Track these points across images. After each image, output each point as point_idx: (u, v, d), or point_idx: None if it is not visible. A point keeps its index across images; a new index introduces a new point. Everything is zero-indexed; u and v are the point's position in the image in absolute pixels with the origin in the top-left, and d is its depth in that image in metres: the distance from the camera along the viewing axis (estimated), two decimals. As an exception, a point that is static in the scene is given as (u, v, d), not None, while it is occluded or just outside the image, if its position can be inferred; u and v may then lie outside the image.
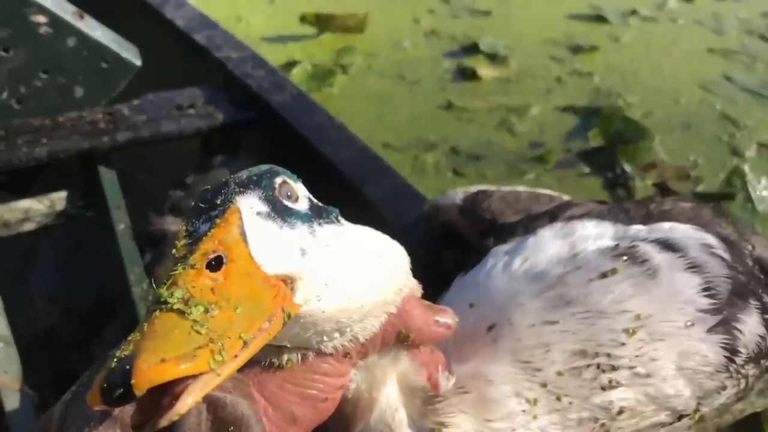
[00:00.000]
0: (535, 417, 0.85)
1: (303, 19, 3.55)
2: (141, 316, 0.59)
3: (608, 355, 0.88)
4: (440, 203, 1.32)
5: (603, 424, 0.90)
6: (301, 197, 0.69)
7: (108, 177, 1.76)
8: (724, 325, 0.93)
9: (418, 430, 0.81)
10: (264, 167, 0.70)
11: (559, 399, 0.86)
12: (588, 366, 0.87)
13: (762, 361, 0.99)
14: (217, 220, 0.61)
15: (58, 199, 1.77)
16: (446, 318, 0.79)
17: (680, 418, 0.96)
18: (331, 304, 0.67)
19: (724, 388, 0.96)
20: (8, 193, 1.81)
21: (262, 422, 0.67)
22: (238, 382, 0.67)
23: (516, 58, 3.32)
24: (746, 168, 2.37)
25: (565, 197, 1.31)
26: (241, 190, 0.65)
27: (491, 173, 2.53)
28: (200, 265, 0.57)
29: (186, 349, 0.51)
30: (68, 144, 1.70)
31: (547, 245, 1.00)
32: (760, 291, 0.99)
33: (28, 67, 1.71)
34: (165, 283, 0.56)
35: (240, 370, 0.62)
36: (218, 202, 0.63)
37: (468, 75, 3.18)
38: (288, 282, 0.62)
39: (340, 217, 0.73)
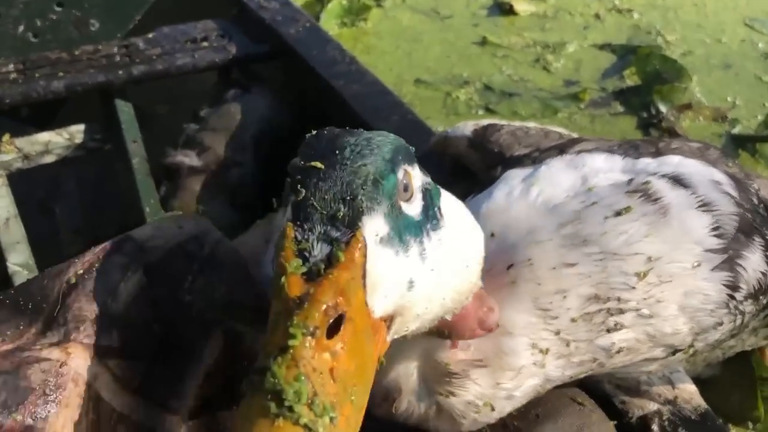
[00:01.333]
0: (543, 366, 0.85)
1: (340, -48, 3.48)
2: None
3: (618, 299, 0.87)
4: (450, 135, 1.31)
5: (600, 363, 0.90)
6: (416, 191, 0.62)
7: (125, 110, 1.77)
8: (729, 262, 0.91)
9: (428, 393, 0.82)
10: (386, 149, 0.60)
11: (568, 345, 0.86)
12: (599, 311, 0.86)
13: (761, 298, 0.97)
14: (341, 255, 0.53)
15: (77, 132, 1.79)
16: (492, 319, 0.77)
17: (675, 352, 0.96)
18: (413, 327, 0.63)
19: (721, 324, 0.95)
20: (31, 126, 1.83)
21: None
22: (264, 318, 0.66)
23: (555, -7, 3.21)
24: (785, 110, 2.27)
25: (575, 135, 1.28)
26: (371, 203, 0.56)
27: (524, 111, 2.48)
28: (321, 331, 0.50)
29: None
30: (85, 77, 1.71)
31: (561, 176, 0.98)
32: (764, 228, 0.97)
33: (43, 1, 1.71)
34: (279, 350, 0.48)
35: None
36: (341, 215, 0.55)
37: (504, 10, 3.09)
38: (387, 320, 0.58)
39: (440, 206, 0.66)
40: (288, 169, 0.58)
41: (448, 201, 0.68)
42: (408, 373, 0.81)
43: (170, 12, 1.90)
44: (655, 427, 1.02)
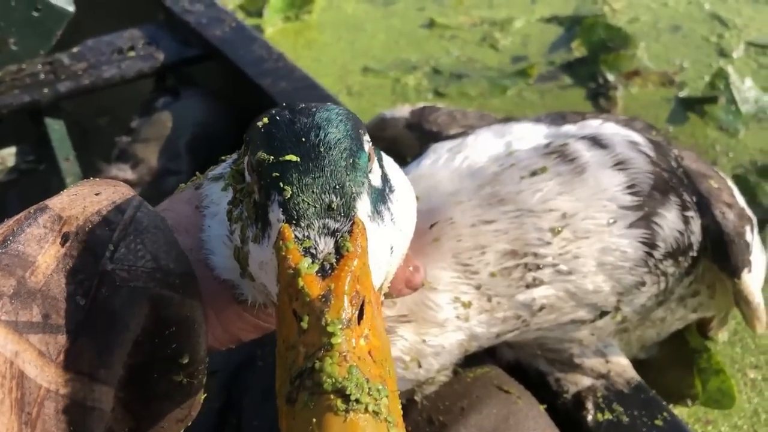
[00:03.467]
0: (467, 319, 0.86)
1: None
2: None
3: (535, 255, 0.88)
4: (387, 117, 1.30)
5: (524, 321, 0.90)
6: (375, 161, 0.61)
7: (55, 128, 1.74)
8: (645, 220, 0.91)
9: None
10: (349, 125, 0.59)
11: (489, 300, 0.87)
12: (517, 266, 0.87)
13: (680, 259, 0.96)
14: (349, 245, 0.52)
15: (8, 155, 1.75)
16: (418, 279, 0.75)
17: (602, 315, 0.95)
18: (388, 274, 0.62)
19: (643, 284, 0.94)
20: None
21: (205, 331, 0.63)
22: (191, 286, 0.62)
23: (500, -30, 3.18)
24: (730, 69, 2.25)
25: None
26: (357, 186, 0.56)
27: (473, 91, 2.45)
28: (354, 321, 0.49)
29: None
30: (10, 98, 1.68)
31: (486, 143, 0.99)
32: (681, 189, 0.96)
33: (-44, 24, 1.67)
34: (327, 348, 0.47)
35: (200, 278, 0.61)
36: (335, 206, 0.54)
37: (450, -10, 3.06)
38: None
39: (384, 166, 0.65)
40: (256, 164, 0.56)
41: (385, 159, 0.67)
42: None
43: (94, 24, 1.86)
44: (589, 404, 1.01)
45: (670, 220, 0.92)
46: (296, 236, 0.52)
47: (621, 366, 1.05)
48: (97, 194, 0.62)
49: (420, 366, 0.84)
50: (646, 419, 0.99)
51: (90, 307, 0.56)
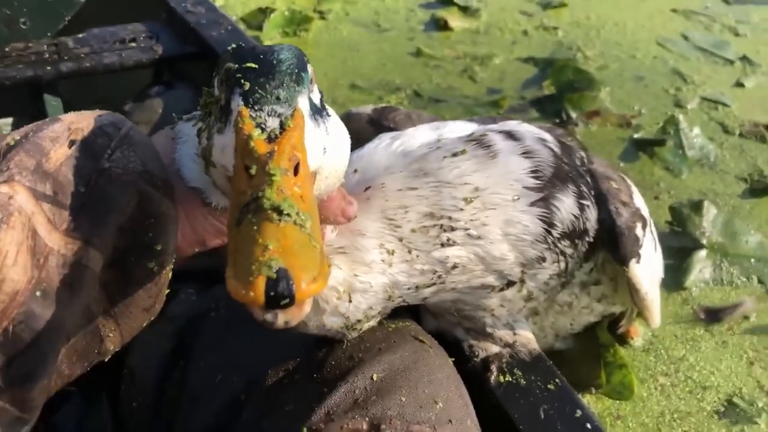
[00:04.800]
0: (390, 265, 1.00)
1: (287, -32, 3.64)
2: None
3: (449, 218, 1.02)
4: (353, 112, 1.47)
5: (440, 276, 1.04)
6: (316, 88, 0.78)
7: (53, 104, 1.89)
8: (544, 201, 1.07)
9: None
10: (297, 54, 0.76)
11: (410, 252, 1.01)
12: (434, 226, 1.02)
13: (576, 241, 1.11)
14: (290, 123, 0.69)
15: (5, 124, 1.90)
16: (351, 211, 0.91)
17: (509, 284, 1.10)
18: (323, 186, 0.80)
19: (544, 259, 1.09)
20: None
21: (177, 228, 0.79)
22: (169, 189, 0.78)
23: (487, 11, 3.39)
24: (681, 117, 2.44)
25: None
26: (299, 88, 0.72)
27: (448, 115, 2.61)
28: (290, 171, 0.66)
29: (321, 268, 0.61)
30: (13, 72, 1.83)
31: (422, 133, 1.15)
32: (579, 182, 1.12)
33: (-26, 0, 1.83)
34: (268, 185, 0.63)
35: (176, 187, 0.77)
36: (281, 96, 0.71)
37: (439, 25, 3.27)
38: (314, 176, 0.74)
39: (328, 110, 0.82)
40: (223, 73, 0.74)
41: (329, 109, 0.84)
42: None
43: (101, 14, 2.03)
44: (494, 367, 1.16)
45: (567, 204, 1.08)
46: (251, 115, 0.69)
47: (526, 338, 1.20)
48: (99, 116, 0.79)
49: (350, 300, 0.98)
50: (540, 383, 1.15)
51: (90, 193, 0.72)
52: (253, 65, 0.72)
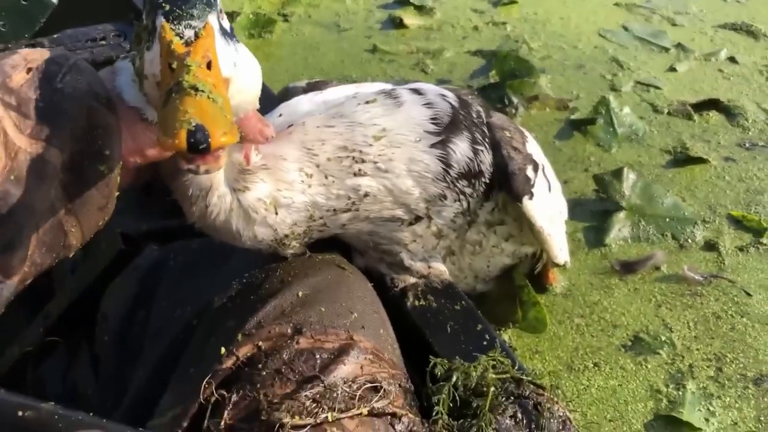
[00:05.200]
0: (309, 186, 1.18)
1: (254, -25, 3.85)
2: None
3: (360, 152, 1.20)
4: (290, 86, 1.68)
5: (354, 203, 1.23)
6: (225, 18, 0.94)
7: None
8: (442, 144, 1.26)
9: (231, 188, 1.13)
10: None
11: (326, 177, 1.19)
12: (347, 157, 1.20)
13: (473, 181, 1.31)
14: (203, 32, 0.85)
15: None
16: (268, 131, 1.13)
17: (417, 219, 1.30)
18: (237, 99, 0.98)
19: (445, 197, 1.28)
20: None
21: (120, 137, 0.97)
22: (111, 104, 0.95)
23: (441, 10, 3.61)
24: (611, 98, 2.66)
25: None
26: (209, 10, 0.88)
27: (401, 106, 2.83)
28: (203, 65, 0.82)
29: (231, 129, 0.78)
30: (-6, 68, 2.02)
31: (342, 89, 1.35)
32: (473, 130, 1.32)
33: (-48, 4, 2.03)
34: (186, 72, 0.80)
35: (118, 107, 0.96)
36: (195, 14, 0.87)
37: (396, 24, 3.48)
38: (227, 82, 0.93)
39: (240, 43, 1.02)
40: (149, 1, 0.91)
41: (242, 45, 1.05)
42: (216, 173, 1.11)
43: (74, 16, 2.22)
44: (410, 294, 1.36)
45: (461, 148, 1.27)
46: (171, 28, 0.87)
47: (439, 270, 1.40)
48: (50, 49, 0.99)
49: (276, 213, 1.16)
50: (449, 305, 1.34)
51: (47, 106, 0.91)
52: None
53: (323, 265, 1.27)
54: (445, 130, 1.27)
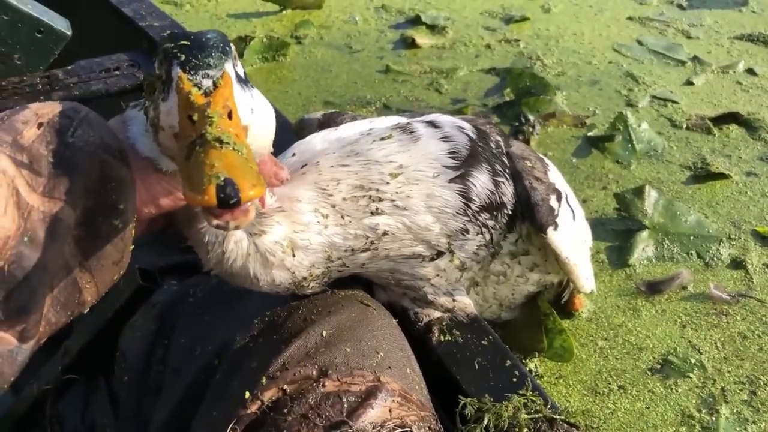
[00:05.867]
0: (326, 227, 1.16)
1: (265, -3, 3.86)
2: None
3: (377, 190, 1.18)
4: (305, 118, 1.65)
5: (372, 242, 1.20)
6: (239, 64, 0.93)
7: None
8: (461, 178, 1.24)
9: (247, 233, 1.11)
10: (221, 35, 0.92)
11: (342, 217, 1.17)
12: (363, 196, 1.17)
13: (495, 213, 1.28)
14: (221, 82, 0.84)
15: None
16: (283, 174, 1.12)
17: (439, 254, 1.27)
18: (254, 145, 0.95)
19: (467, 231, 1.26)
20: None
21: (135, 190, 0.95)
22: (124, 157, 0.95)
23: (453, 29, 3.59)
24: (629, 114, 2.63)
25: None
26: (225, 58, 0.87)
27: (416, 128, 2.81)
28: (225, 115, 0.81)
29: (259, 180, 0.76)
30: (10, 103, 2.01)
31: (356, 125, 1.32)
32: (493, 161, 1.29)
33: (-28, 40, 2.03)
34: (209, 124, 0.79)
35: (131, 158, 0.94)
36: (211, 63, 0.86)
37: (408, 44, 3.46)
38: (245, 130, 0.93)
39: (255, 88, 1.00)
40: (162, 53, 0.90)
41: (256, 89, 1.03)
42: None
43: (88, 47, 2.22)
44: (435, 329, 1.33)
45: (482, 180, 1.25)
46: (188, 78, 0.86)
47: (464, 304, 1.37)
48: (60, 103, 0.96)
49: (294, 255, 1.13)
50: (476, 340, 1.31)
51: (58, 162, 0.89)
52: (186, 42, 0.89)
53: (346, 302, 1.25)
54: (464, 164, 1.25)
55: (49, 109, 0.94)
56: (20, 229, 0.85)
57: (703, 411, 1.63)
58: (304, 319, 1.21)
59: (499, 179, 1.28)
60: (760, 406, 1.64)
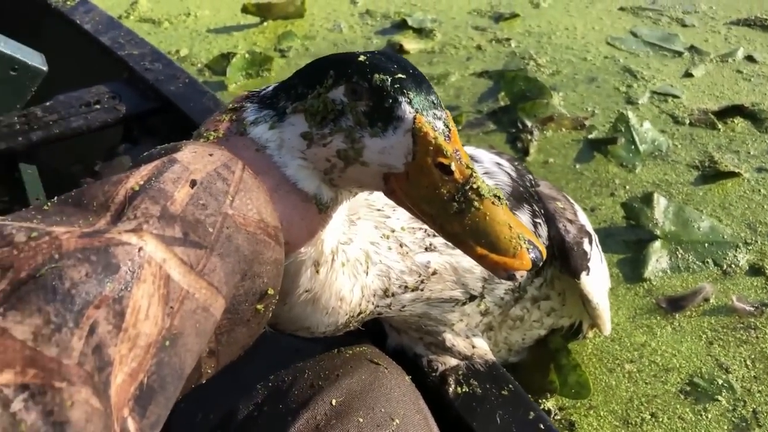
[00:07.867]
0: (389, 248, 1.07)
1: (245, 9, 3.75)
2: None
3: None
4: None
5: (422, 281, 1.12)
6: None
7: (28, 172, 1.98)
8: None
9: (333, 247, 0.98)
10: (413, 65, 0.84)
11: (401, 246, 1.09)
12: (420, 228, 1.10)
13: None
14: (452, 124, 0.79)
15: (-20, 196, 1.99)
16: None
17: (471, 299, 1.19)
18: None
19: None
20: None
21: (282, 270, 0.83)
22: (279, 235, 0.83)
23: (441, 31, 3.50)
24: (630, 113, 2.54)
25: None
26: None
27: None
28: (471, 162, 0.78)
29: (534, 237, 0.75)
30: (-8, 147, 1.93)
31: None
32: (532, 201, 1.23)
33: (-57, 82, 1.92)
34: (473, 176, 0.75)
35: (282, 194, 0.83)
36: (435, 101, 0.79)
37: (395, 50, 3.37)
38: None
39: None
40: (374, 82, 0.79)
41: None
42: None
43: (66, 79, 2.12)
44: (451, 379, 1.24)
45: (524, 221, 1.17)
46: (429, 121, 0.78)
47: (483, 350, 1.29)
48: (210, 155, 0.81)
49: (367, 274, 1.03)
50: (495, 390, 1.23)
51: (218, 237, 0.74)
52: (402, 75, 0.80)
53: (355, 362, 1.16)
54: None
55: (201, 164, 0.78)
56: (163, 331, 0.69)
57: (735, 435, 1.55)
58: (311, 385, 1.12)
59: (537, 220, 1.20)
60: (794, 428, 1.56)
